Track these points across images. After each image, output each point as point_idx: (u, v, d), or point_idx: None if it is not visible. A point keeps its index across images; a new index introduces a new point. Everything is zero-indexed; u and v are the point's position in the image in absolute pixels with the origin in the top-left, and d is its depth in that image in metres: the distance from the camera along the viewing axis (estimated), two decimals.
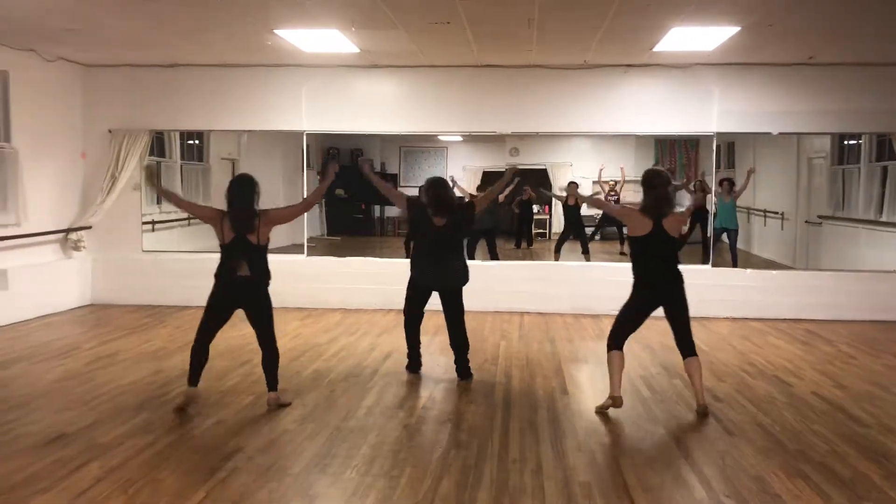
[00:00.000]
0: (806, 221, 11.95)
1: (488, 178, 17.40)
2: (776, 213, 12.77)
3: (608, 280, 8.35)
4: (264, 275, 5.24)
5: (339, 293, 9.39)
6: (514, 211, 14.82)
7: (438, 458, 4.38)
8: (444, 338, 7.78)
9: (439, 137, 16.39)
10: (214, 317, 5.26)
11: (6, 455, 4.35)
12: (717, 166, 10.09)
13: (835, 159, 11.61)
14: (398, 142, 17.62)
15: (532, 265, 10.43)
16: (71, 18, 7.04)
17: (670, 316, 5.38)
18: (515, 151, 17.35)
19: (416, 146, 18.37)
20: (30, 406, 5.32)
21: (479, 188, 12.18)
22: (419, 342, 6.44)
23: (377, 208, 16.66)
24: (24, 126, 8.59)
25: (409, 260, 6.27)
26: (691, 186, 11.53)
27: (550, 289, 9.33)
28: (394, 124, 9.70)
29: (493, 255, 10.97)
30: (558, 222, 14.47)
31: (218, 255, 5.22)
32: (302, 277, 9.51)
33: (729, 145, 13.49)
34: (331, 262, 9.81)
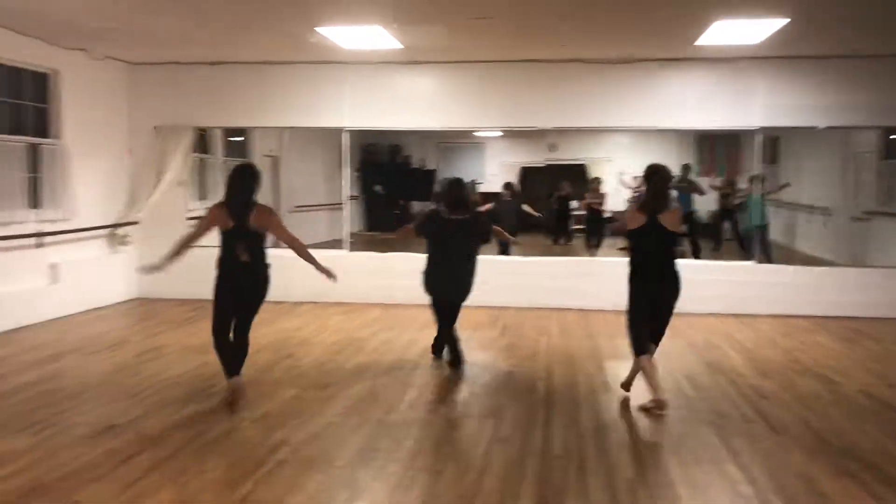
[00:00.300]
0: (852, 217, 11.72)
1: (527, 174, 17.41)
2: (821, 208, 12.55)
3: None
4: (263, 263, 5.28)
5: (379, 288, 9.44)
6: (551, 207, 14.76)
7: (481, 453, 4.40)
8: (484, 333, 7.83)
9: (477, 133, 16.37)
10: (222, 306, 5.30)
11: (61, 444, 4.47)
12: (762, 162, 9.92)
13: (882, 154, 11.37)
14: (435, 138, 17.63)
15: (572, 261, 10.36)
16: (116, 17, 7.18)
17: (656, 310, 5.31)
18: (554, 147, 17.31)
19: (453, 142, 18.39)
20: (81, 397, 5.46)
21: (505, 186, 12.17)
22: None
23: (415, 205, 16.72)
24: (74, 123, 8.80)
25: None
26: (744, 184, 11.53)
27: (590, 285, 9.27)
28: (433, 120, 9.72)
29: (502, 252, 10.84)
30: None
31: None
32: (343, 272, 9.54)
33: (772, 140, 13.29)
34: (372, 257, 9.87)
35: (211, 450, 4.40)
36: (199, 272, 9.64)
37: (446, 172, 16.56)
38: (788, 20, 6.99)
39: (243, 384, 5.36)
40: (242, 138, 12.74)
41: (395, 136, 17.04)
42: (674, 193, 10.81)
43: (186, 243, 5.37)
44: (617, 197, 14.30)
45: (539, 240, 14.40)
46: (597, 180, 14.60)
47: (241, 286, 5.25)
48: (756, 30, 7.44)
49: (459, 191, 6.46)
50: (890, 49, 8.35)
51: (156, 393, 5.56)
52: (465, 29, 7.52)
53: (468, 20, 7.12)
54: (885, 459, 4.34)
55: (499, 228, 6.82)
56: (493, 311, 8.92)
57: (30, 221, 8.19)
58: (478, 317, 8.31)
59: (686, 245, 11.38)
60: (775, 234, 12.02)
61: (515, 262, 9.95)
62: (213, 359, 5.60)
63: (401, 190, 17.06)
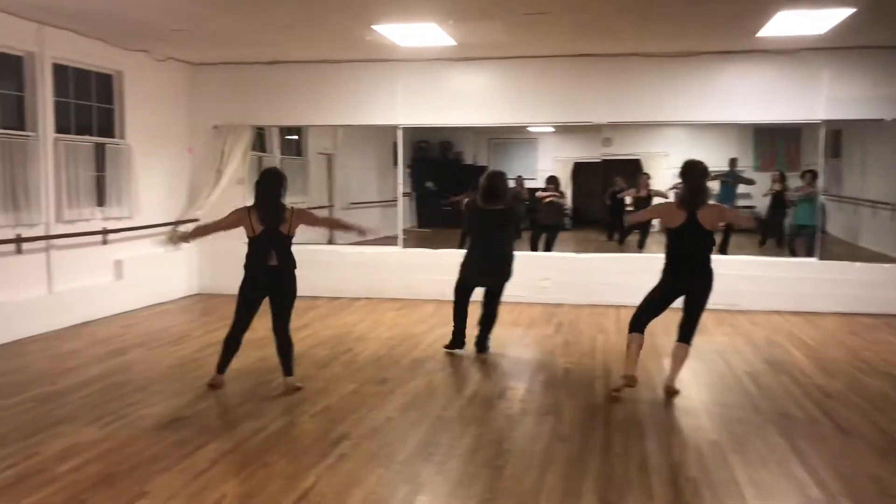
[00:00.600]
0: None
1: (579, 169, 17.26)
2: (887, 203, 12.14)
3: None
4: (291, 263, 5.44)
5: (432, 284, 9.46)
6: (605, 203, 14.60)
7: (542, 449, 4.39)
8: (539, 330, 7.79)
9: (529, 128, 16.29)
10: (246, 307, 5.49)
11: (130, 435, 4.60)
12: (825, 156, 9.64)
13: None
14: (487, 134, 17.56)
15: (628, 257, 10.22)
16: (180, 18, 7.34)
17: (687, 303, 5.45)
18: (608, 142, 17.04)
19: (505, 138, 18.29)
20: (148, 389, 5.61)
21: (549, 180, 12.24)
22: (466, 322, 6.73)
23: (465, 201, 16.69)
24: (137, 123, 9.03)
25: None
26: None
27: (647, 282, 9.10)
28: (487, 116, 9.73)
29: (547, 248, 10.86)
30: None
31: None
32: (397, 268, 9.67)
33: (834, 134, 12.91)
34: (424, 253, 9.91)
35: (273, 443, 4.47)
36: None
37: (498, 168, 16.51)
38: (854, 9, 6.79)
39: (295, 384, 5.52)
40: (297, 136, 12.90)
41: (447, 133, 17.04)
42: (715, 186, 10.74)
43: (203, 232, 5.86)
44: (672, 193, 14.09)
45: (592, 235, 14.25)
46: (646, 176, 14.42)
47: (272, 288, 5.46)
48: (821, 20, 7.24)
49: (493, 182, 6.66)
50: None
51: None
52: (520, 24, 7.49)
53: (524, 15, 7.09)
54: None
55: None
56: (547, 307, 8.87)
57: (96, 219, 8.44)
58: (532, 313, 8.27)
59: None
60: (837, 230, 11.69)
61: (569, 259, 9.88)
62: (271, 353, 5.71)
63: (451, 186, 17.07)
